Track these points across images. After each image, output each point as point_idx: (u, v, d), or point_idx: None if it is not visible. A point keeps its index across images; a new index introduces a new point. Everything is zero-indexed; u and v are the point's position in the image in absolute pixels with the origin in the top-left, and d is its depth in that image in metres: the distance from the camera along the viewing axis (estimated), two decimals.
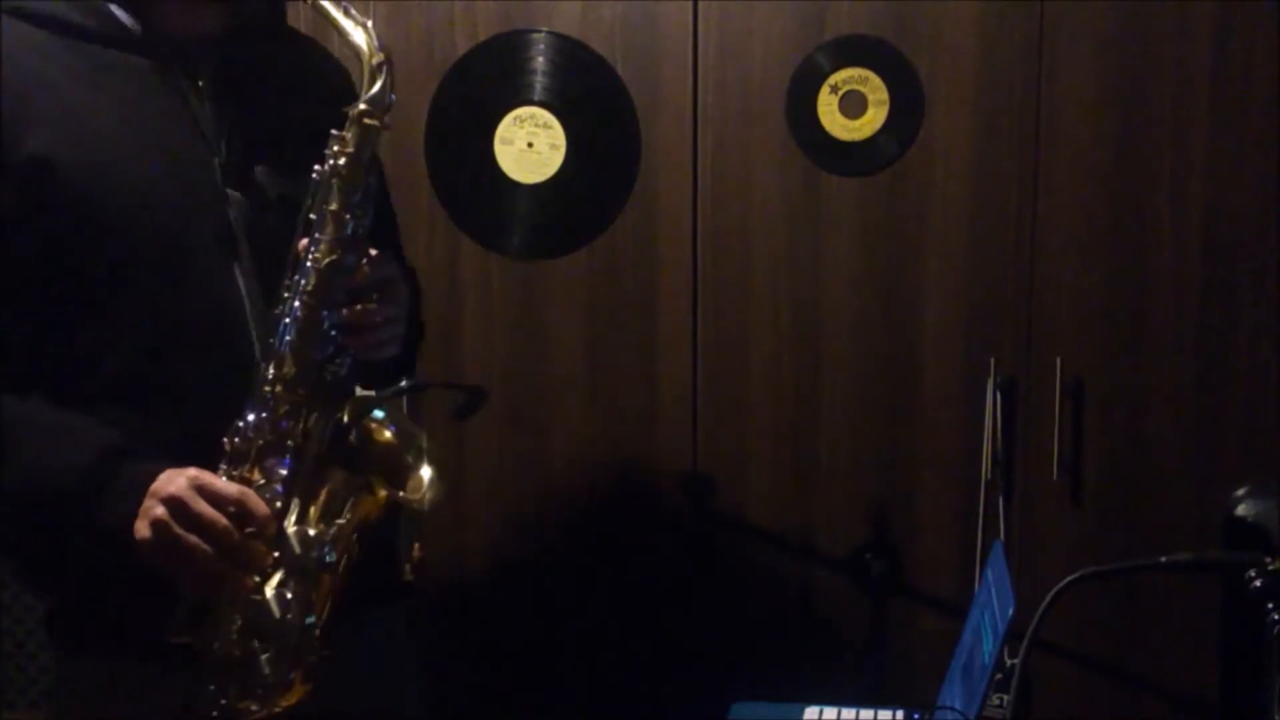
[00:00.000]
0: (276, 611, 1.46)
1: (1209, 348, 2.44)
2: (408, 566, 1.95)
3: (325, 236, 1.49)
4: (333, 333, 1.50)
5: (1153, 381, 2.45)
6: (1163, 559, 1.51)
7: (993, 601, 1.62)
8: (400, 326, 1.57)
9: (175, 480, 1.44)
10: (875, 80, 2.45)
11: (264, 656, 1.46)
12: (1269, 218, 2.39)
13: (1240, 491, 1.78)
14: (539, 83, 2.51)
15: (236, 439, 1.49)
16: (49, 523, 1.50)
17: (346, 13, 1.52)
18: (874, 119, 2.46)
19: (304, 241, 1.49)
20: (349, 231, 1.49)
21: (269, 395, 1.49)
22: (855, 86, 2.46)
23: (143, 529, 1.43)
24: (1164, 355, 2.44)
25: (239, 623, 1.46)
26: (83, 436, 1.49)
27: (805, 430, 2.54)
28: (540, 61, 2.51)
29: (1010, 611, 1.52)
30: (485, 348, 2.57)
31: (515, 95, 2.52)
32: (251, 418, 1.48)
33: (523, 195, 2.54)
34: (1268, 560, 1.44)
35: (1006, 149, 2.44)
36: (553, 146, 2.52)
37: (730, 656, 2.57)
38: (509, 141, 2.52)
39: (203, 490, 1.44)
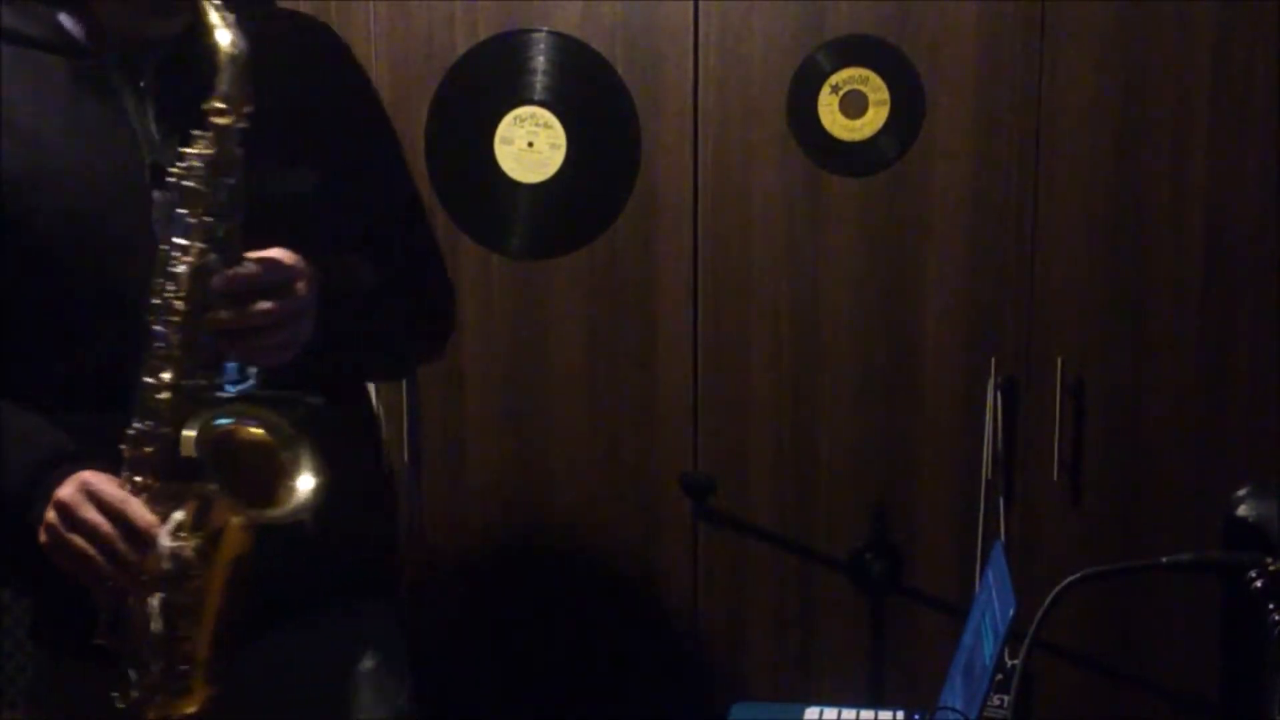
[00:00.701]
0: (150, 622, 1.46)
1: (1209, 348, 2.44)
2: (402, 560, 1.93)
3: (192, 240, 1.44)
4: (209, 339, 1.45)
5: (1153, 382, 2.45)
6: (1163, 559, 1.51)
7: (993, 602, 1.62)
8: (294, 330, 1.48)
9: (68, 484, 1.45)
10: (876, 80, 2.45)
11: (157, 663, 1.47)
12: (1269, 217, 2.39)
13: (1241, 492, 1.79)
14: (539, 82, 2.51)
15: (129, 446, 1.48)
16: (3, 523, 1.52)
17: (219, 9, 1.47)
18: (874, 119, 2.46)
19: (163, 247, 1.46)
20: (217, 234, 1.45)
21: (151, 405, 1.46)
22: (856, 86, 2.46)
23: (41, 532, 1.46)
24: (1164, 355, 2.45)
25: (136, 629, 1.47)
26: (35, 440, 1.51)
27: (805, 430, 2.54)
28: (541, 61, 2.51)
29: (1011, 612, 1.52)
30: (485, 348, 2.57)
31: (516, 95, 2.52)
32: (139, 425, 1.46)
33: (523, 195, 2.54)
34: (1268, 561, 1.44)
35: (1007, 149, 2.44)
36: (553, 146, 2.52)
37: (730, 657, 2.57)
38: (509, 141, 2.53)
39: (90, 494, 1.44)
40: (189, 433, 1.43)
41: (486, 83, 2.52)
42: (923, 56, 2.44)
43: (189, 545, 1.44)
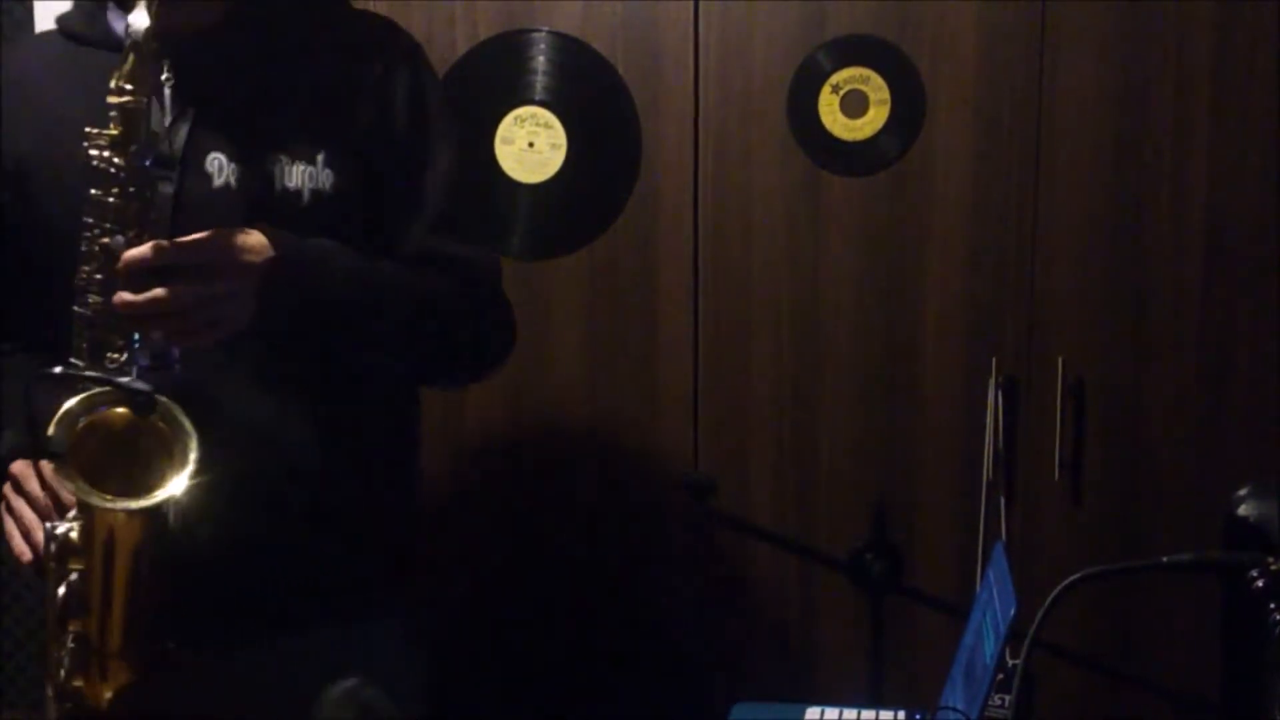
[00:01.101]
0: (47, 604, 1.50)
1: (1210, 347, 2.43)
2: None
3: (105, 224, 1.46)
4: (125, 319, 1.45)
5: (1154, 381, 2.45)
6: (1164, 559, 1.51)
7: (994, 602, 1.61)
8: (212, 313, 1.46)
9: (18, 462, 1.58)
10: (876, 80, 2.45)
11: (62, 647, 1.50)
12: (1270, 217, 2.39)
13: (1242, 491, 1.79)
14: (540, 82, 2.51)
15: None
16: None
17: None
18: (875, 119, 2.46)
19: (83, 232, 1.48)
20: (126, 215, 1.45)
21: (77, 386, 1.47)
22: (856, 86, 2.45)
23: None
24: (1165, 355, 2.44)
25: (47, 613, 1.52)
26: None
27: (806, 430, 2.54)
28: (541, 61, 2.51)
29: (1012, 612, 1.52)
30: None
31: (516, 95, 2.51)
32: (69, 405, 1.46)
33: (523, 195, 2.54)
34: (1269, 560, 1.43)
35: (1008, 148, 2.43)
36: (554, 146, 2.52)
37: (731, 657, 2.57)
38: (510, 141, 2.52)
39: (25, 472, 1.56)
40: (56, 417, 1.45)
41: (487, 83, 2.52)
42: (924, 56, 2.44)
43: (73, 529, 1.48)
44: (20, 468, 1.56)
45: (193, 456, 1.46)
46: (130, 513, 1.45)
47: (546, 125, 2.52)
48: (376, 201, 1.66)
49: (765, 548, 2.56)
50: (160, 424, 1.47)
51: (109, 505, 1.45)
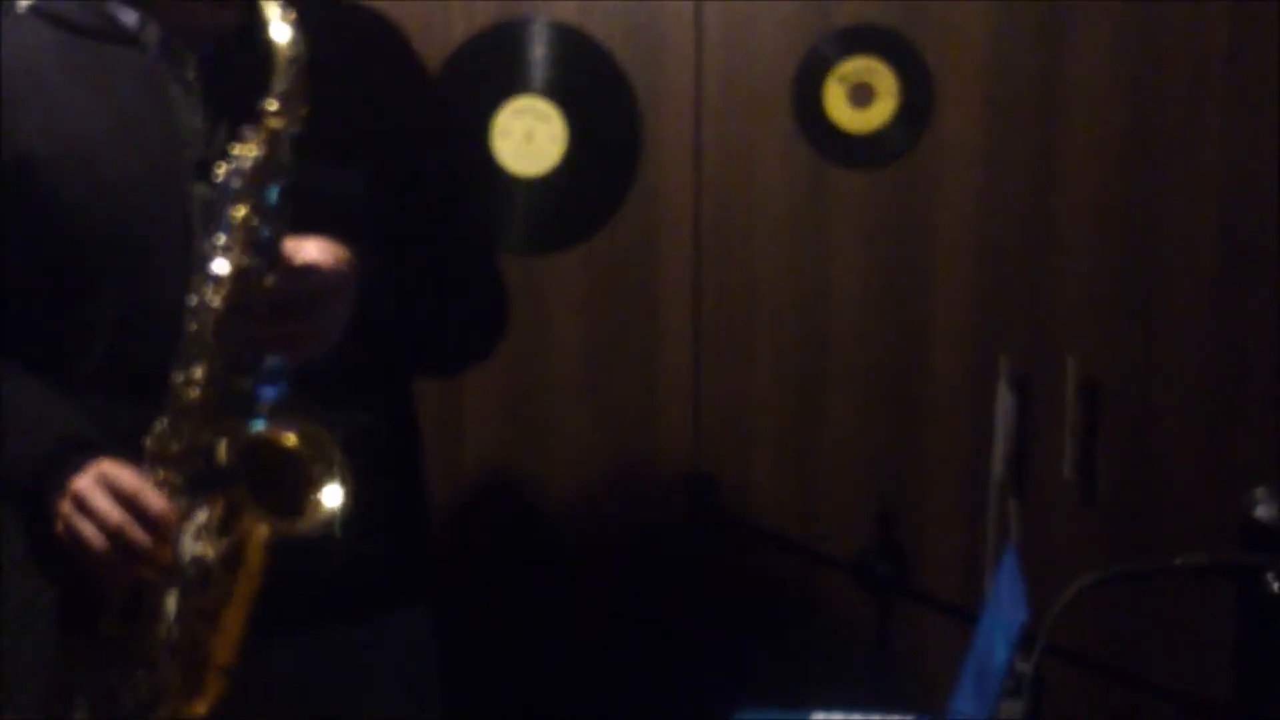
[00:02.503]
0: (162, 622, 1.48)
1: (1224, 345, 2.43)
2: None
3: (233, 243, 1.44)
4: (242, 344, 1.46)
5: (1167, 380, 2.45)
6: (1178, 561, 1.50)
7: (1005, 605, 1.60)
8: (325, 338, 1.49)
9: (86, 473, 1.48)
10: (884, 70, 2.44)
11: (170, 664, 1.49)
12: None
13: (1257, 492, 1.77)
14: (537, 73, 2.50)
15: (152, 440, 1.50)
16: (21, 508, 1.59)
17: (279, 4, 1.47)
18: (882, 110, 2.45)
19: (205, 244, 1.47)
20: (261, 238, 1.45)
21: (182, 402, 1.48)
22: (863, 77, 2.44)
23: (56, 521, 1.50)
24: (1178, 353, 2.44)
25: (152, 625, 1.49)
26: (50, 425, 1.55)
27: (810, 429, 2.53)
28: (539, 51, 2.50)
29: (1022, 616, 1.51)
30: None
31: (514, 86, 2.50)
32: (167, 422, 1.48)
33: (522, 188, 2.52)
34: None
35: (1018, 141, 2.43)
36: (552, 138, 2.51)
37: (733, 661, 2.56)
38: (508, 133, 2.51)
39: (105, 483, 1.47)
40: (223, 438, 1.45)
41: (484, 74, 2.51)
42: (932, 46, 2.43)
43: (211, 550, 1.46)
44: (86, 484, 1.49)
45: (339, 474, 1.45)
46: (300, 532, 1.45)
47: (545, 117, 2.51)
48: (385, 199, 1.66)
49: (769, 549, 2.55)
50: (288, 439, 1.46)
51: (289, 528, 1.45)
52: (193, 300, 1.46)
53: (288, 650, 1.59)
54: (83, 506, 1.47)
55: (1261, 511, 1.75)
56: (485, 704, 2.61)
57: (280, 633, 1.57)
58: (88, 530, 1.47)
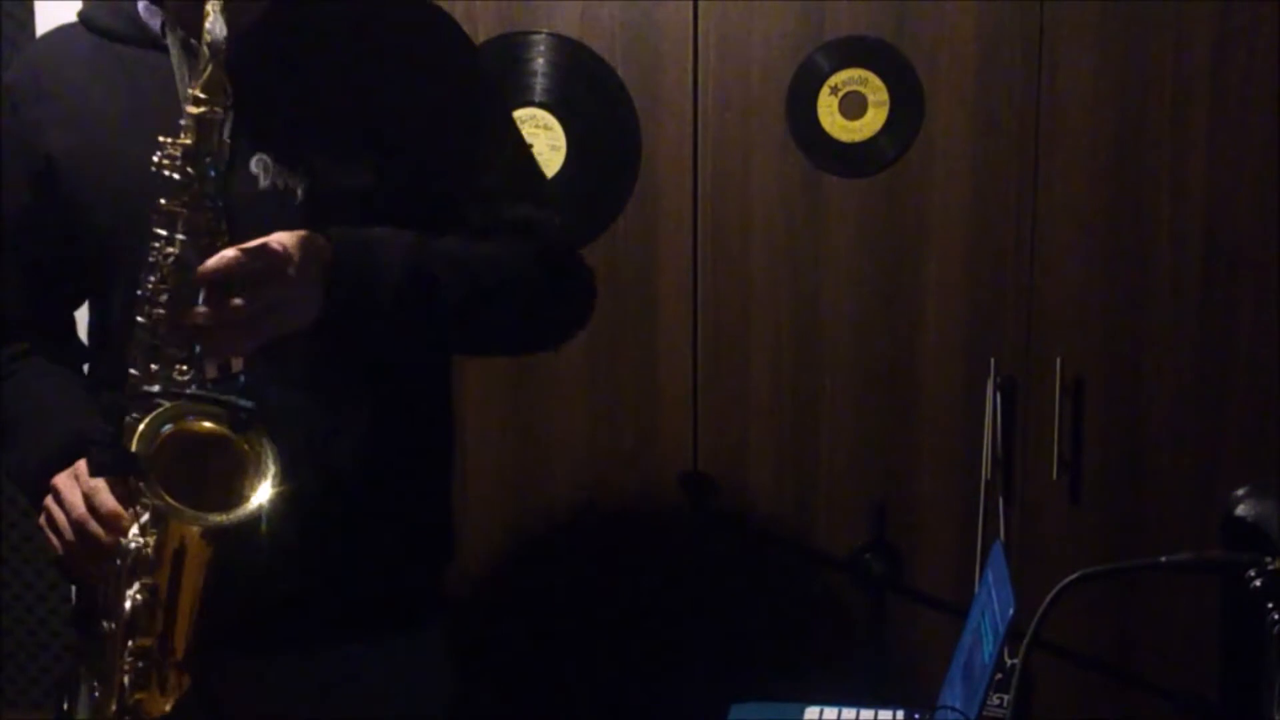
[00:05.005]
0: (113, 616, 1.48)
1: (1209, 347, 2.43)
2: None
3: (174, 231, 1.44)
4: (185, 332, 1.44)
5: (1153, 381, 2.45)
6: (1163, 559, 1.51)
7: (993, 602, 1.62)
8: (276, 321, 1.44)
9: (66, 471, 1.53)
10: (875, 81, 2.45)
11: (126, 657, 1.48)
12: (1269, 217, 2.39)
13: (1240, 491, 1.78)
14: (539, 84, 2.51)
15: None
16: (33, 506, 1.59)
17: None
18: (874, 120, 2.46)
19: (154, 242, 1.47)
20: (198, 225, 1.44)
21: (139, 394, 1.46)
22: (855, 87, 2.46)
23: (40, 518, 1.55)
24: (1164, 355, 2.44)
25: (111, 621, 1.50)
26: (58, 425, 1.59)
27: (805, 430, 2.53)
28: (540, 63, 2.51)
29: (1010, 612, 1.52)
30: None
31: (515, 97, 2.50)
32: (150, 419, 1.46)
33: None
34: (1268, 560, 1.43)
35: (1006, 149, 2.43)
36: (553, 148, 2.52)
37: (730, 656, 2.57)
38: None
39: (77, 479, 1.51)
40: (138, 430, 1.43)
41: None
42: (922, 57, 2.43)
43: (147, 543, 1.45)
44: (64, 480, 1.52)
45: (272, 467, 1.43)
46: (220, 526, 1.43)
47: (546, 127, 2.52)
48: (434, 188, 1.63)
49: (765, 547, 2.56)
50: (205, 429, 1.45)
51: (202, 521, 1.42)
52: (139, 293, 1.46)
53: (308, 661, 1.60)
54: (57, 498, 1.52)
55: (1243, 510, 1.76)
56: (484, 701, 2.62)
57: (291, 651, 1.60)
58: (59, 518, 1.52)
